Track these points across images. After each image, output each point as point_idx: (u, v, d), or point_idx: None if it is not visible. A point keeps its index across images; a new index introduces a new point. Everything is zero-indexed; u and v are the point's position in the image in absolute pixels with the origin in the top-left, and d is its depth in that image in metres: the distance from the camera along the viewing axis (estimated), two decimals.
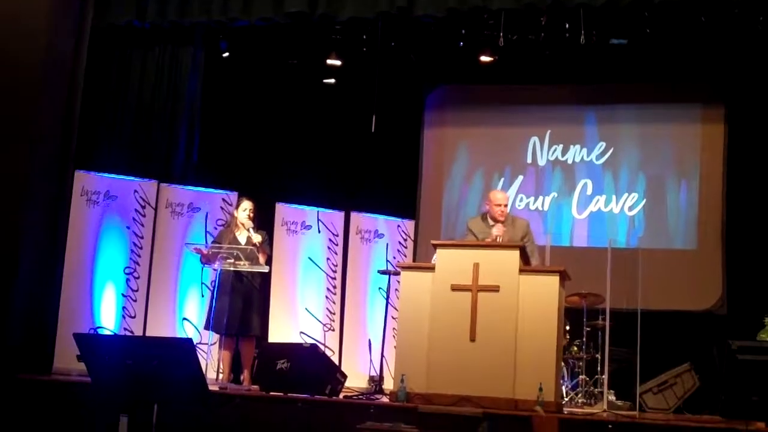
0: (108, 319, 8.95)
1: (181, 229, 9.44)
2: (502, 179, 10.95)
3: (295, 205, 10.02)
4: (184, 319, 9.26)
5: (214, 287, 8.12)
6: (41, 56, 8.38)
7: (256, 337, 8.38)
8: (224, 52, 10.62)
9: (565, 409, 7.30)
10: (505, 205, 7.95)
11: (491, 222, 7.90)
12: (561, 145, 10.86)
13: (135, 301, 9.08)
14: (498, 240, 7.67)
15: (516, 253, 7.06)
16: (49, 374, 8.21)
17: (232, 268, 8.03)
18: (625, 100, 10.76)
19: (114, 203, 9.17)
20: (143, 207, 9.26)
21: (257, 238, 8.15)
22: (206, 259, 8.12)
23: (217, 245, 8.15)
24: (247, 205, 8.34)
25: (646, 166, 10.61)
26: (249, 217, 8.26)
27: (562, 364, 8.06)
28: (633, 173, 10.62)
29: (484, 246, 7.43)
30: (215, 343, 8.32)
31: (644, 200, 10.52)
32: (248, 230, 8.20)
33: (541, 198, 10.84)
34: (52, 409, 7.14)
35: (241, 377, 8.29)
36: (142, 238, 9.21)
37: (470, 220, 8.33)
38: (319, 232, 10.02)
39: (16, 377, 7.48)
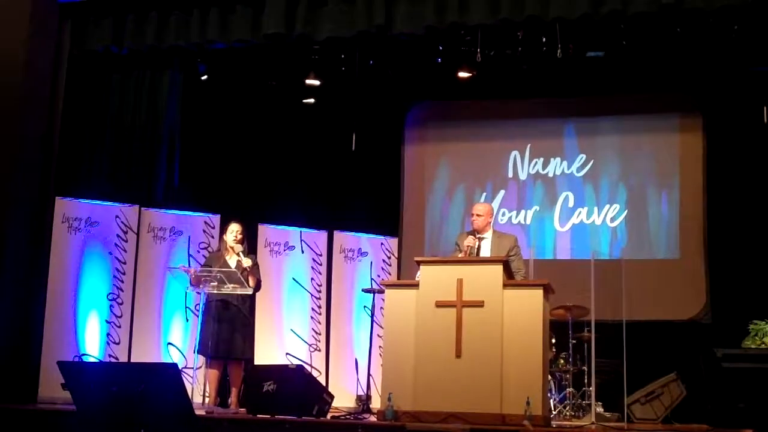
0: (92, 346, 8.89)
1: (163, 254, 9.40)
2: (484, 194, 10.97)
3: (278, 226, 10.01)
4: (169, 343, 9.21)
5: (201, 311, 8.09)
6: (20, 85, 8.39)
7: (245, 360, 8.33)
8: (203, 75, 10.62)
9: (554, 423, 7.31)
10: (478, 215, 7.85)
11: (476, 235, 7.90)
12: (541, 159, 10.91)
13: (119, 327, 9.02)
14: (468, 251, 7.64)
15: (499, 268, 7.06)
16: (34, 403, 8.16)
17: (215, 291, 8.01)
18: (604, 112, 10.83)
19: (96, 229, 9.12)
20: (125, 232, 9.22)
21: (247, 262, 8.13)
22: (195, 282, 8.08)
23: (206, 268, 8.12)
24: (234, 227, 8.33)
25: (626, 177, 10.66)
26: (236, 240, 8.24)
27: (549, 377, 8.06)
28: (614, 184, 10.67)
29: (468, 262, 7.42)
30: (201, 366, 8.28)
31: (626, 211, 10.56)
32: (238, 254, 8.18)
33: (523, 212, 10.87)
34: None
35: (228, 401, 8.26)
36: (124, 263, 9.17)
37: (459, 235, 8.33)
38: (303, 252, 10.01)
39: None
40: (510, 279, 7.21)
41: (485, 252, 7.74)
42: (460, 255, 7.74)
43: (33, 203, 8.64)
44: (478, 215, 7.88)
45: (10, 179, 8.24)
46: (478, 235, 7.79)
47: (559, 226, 10.75)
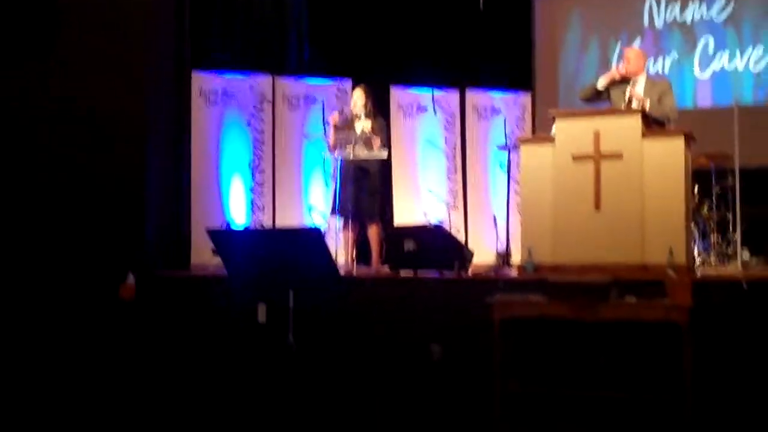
0: (238, 213, 9.20)
1: (299, 121, 9.57)
2: (619, 44, 10.63)
3: (409, 88, 10.00)
4: (311, 208, 9.45)
5: (338, 175, 8.24)
6: None
7: (382, 221, 8.45)
8: None
9: (698, 271, 7.20)
10: (629, 59, 7.73)
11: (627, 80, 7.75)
12: (678, 3, 10.45)
13: (262, 194, 9.30)
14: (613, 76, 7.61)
15: (637, 118, 6.89)
16: (188, 270, 8.54)
17: (351, 156, 8.10)
18: None
19: (232, 101, 9.34)
20: (261, 102, 9.39)
21: (366, 124, 8.20)
22: (332, 147, 8.21)
23: (339, 133, 8.22)
24: (356, 93, 8.38)
25: None
26: (360, 105, 8.30)
27: (693, 226, 7.92)
28: (757, 26, 10.14)
29: (604, 113, 7.28)
30: (343, 228, 8.47)
31: None
32: (359, 117, 8.27)
33: (660, 60, 10.50)
34: (193, 304, 7.44)
35: (371, 261, 8.44)
36: (262, 132, 9.37)
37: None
38: (435, 113, 10.00)
39: (155, 274, 7.80)
40: (651, 128, 7.04)
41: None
42: (603, 79, 7.68)
43: (170, 79, 8.86)
44: (631, 58, 7.74)
45: (146, 56, 8.40)
46: (632, 80, 7.65)
47: (700, 73, 10.37)
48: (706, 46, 10.34)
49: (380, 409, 6.34)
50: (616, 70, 7.73)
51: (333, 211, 8.30)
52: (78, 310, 7.29)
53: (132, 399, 6.46)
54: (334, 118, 8.35)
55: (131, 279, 7.41)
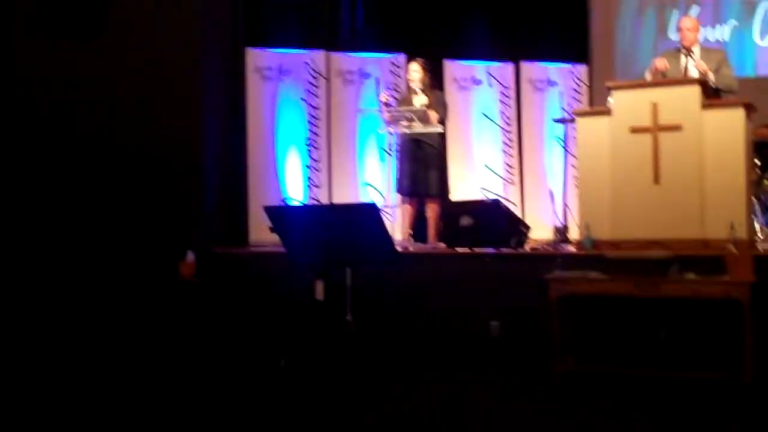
0: (295, 190, 9.24)
1: (353, 97, 9.56)
2: (675, 11, 10.43)
3: (463, 61, 9.93)
4: (367, 184, 9.46)
5: (396, 151, 8.24)
6: None
7: (441, 197, 8.44)
8: None
9: (760, 246, 7.09)
10: (689, 29, 7.59)
11: (684, 52, 7.59)
12: None
13: (318, 171, 9.33)
14: (655, 72, 7.40)
15: (696, 89, 6.78)
16: (246, 247, 8.61)
17: (408, 131, 8.09)
18: None
19: (287, 77, 9.35)
20: (315, 78, 9.40)
21: (422, 99, 8.17)
22: (387, 122, 8.20)
23: (394, 108, 8.19)
24: (413, 67, 8.35)
25: None
26: (416, 79, 8.27)
27: (754, 199, 7.79)
28: None
29: (662, 84, 7.17)
30: (400, 205, 8.47)
31: None
32: (416, 91, 8.24)
33: (719, 27, 10.28)
34: (252, 281, 7.52)
35: (428, 237, 8.45)
36: (318, 109, 9.39)
37: (663, 53, 8.03)
38: (491, 86, 9.92)
39: (214, 252, 7.88)
40: (710, 98, 6.92)
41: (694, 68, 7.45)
42: (648, 74, 7.52)
43: (226, 56, 8.90)
44: (688, 29, 7.61)
45: (201, 33, 8.43)
46: (685, 51, 7.51)
47: (760, 40, 10.14)
48: (766, 12, 10.11)
49: (438, 385, 6.36)
50: (654, 62, 7.58)
51: (394, 188, 8.32)
52: (139, 289, 7.40)
53: (192, 376, 6.56)
54: (384, 97, 8.32)
55: (191, 257, 7.50)
